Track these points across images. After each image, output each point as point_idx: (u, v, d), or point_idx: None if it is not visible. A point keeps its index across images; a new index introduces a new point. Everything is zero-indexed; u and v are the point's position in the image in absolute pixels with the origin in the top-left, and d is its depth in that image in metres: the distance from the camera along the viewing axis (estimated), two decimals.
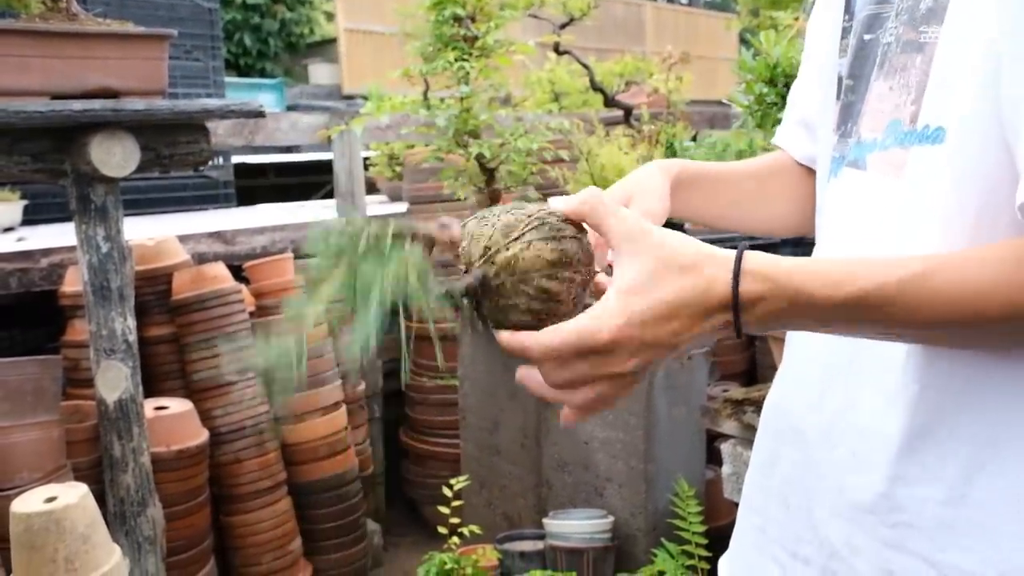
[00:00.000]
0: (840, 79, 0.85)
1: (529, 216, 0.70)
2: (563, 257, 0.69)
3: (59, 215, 4.24)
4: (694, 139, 3.90)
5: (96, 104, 1.98)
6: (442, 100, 3.66)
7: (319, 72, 9.25)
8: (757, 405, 1.82)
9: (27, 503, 1.50)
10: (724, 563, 1.07)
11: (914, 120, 0.74)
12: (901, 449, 0.76)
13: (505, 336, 0.70)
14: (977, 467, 0.72)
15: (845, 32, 0.85)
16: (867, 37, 0.80)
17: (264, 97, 6.91)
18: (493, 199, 2.63)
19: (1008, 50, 0.65)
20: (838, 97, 0.86)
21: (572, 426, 0.64)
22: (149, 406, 2.48)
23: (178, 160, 2.31)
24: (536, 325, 0.69)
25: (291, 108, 7.07)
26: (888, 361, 0.77)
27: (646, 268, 0.66)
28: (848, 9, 0.86)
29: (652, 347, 0.66)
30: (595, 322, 0.66)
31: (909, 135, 0.75)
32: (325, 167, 4.25)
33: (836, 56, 0.87)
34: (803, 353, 0.91)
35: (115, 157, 2.06)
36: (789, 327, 0.71)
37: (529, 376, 0.72)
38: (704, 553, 1.93)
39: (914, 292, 0.66)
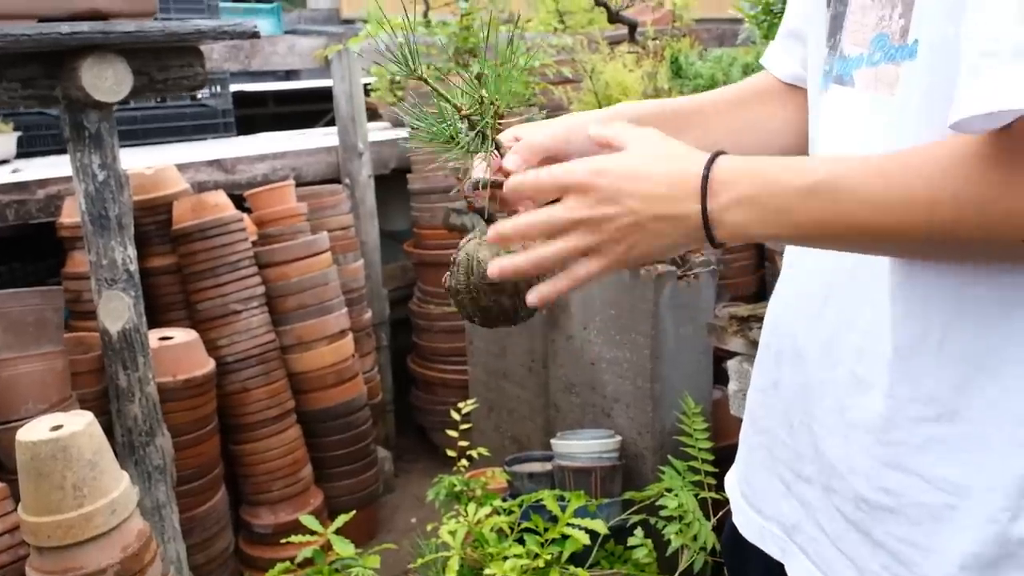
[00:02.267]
0: None
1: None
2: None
3: (54, 147, 4.21)
4: (701, 56, 3.82)
5: (84, 26, 1.94)
6: (442, 22, 3.59)
7: None
8: (762, 320, 1.82)
9: (33, 431, 1.52)
10: (731, 480, 1.08)
11: (904, 35, 0.73)
12: (892, 367, 0.76)
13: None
14: (967, 383, 0.73)
15: None
16: None
17: (260, 22, 6.75)
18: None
19: None
20: (828, 5, 0.84)
21: (549, 299, 0.74)
22: (153, 336, 2.50)
23: (172, 84, 2.27)
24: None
25: (289, 33, 6.94)
26: (881, 279, 0.77)
27: (635, 152, 0.75)
28: None
29: (622, 200, 0.71)
30: (573, 164, 0.74)
31: (900, 50, 0.73)
32: (325, 95, 4.19)
33: None
34: (802, 270, 0.91)
35: (107, 81, 2.03)
36: (758, 230, 0.72)
37: (502, 260, 0.77)
38: (710, 469, 1.96)
39: (862, 177, 0.68)
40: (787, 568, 0.92)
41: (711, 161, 0.71)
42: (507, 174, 0.81)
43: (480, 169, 0.85)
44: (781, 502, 0.93)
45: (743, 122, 1.05)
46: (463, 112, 0.83)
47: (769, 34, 1.93)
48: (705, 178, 0.71)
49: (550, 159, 0.85)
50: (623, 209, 0.71)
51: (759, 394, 0.99)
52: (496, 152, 0.84)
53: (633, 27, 2.97)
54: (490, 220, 0.84)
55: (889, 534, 0.78)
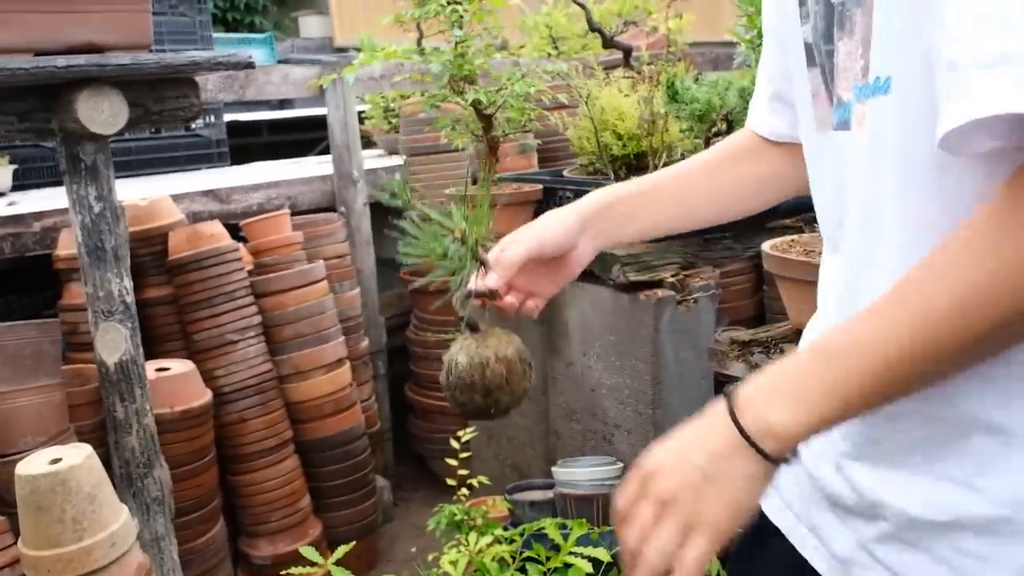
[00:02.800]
0: (808, 45, 0.87)
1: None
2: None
3: (49, 179, 4.23)
4: (696, 80, 3.85)
5: (81, 59, 1.96)
6: (436, 49, 3.61)
7: (309, 25, 9.12)
8: (764, 346, 1.83)
9: (32, 465, 1.52)
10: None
11: (865, 73, 0.76)
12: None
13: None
14: (1011, 399, 0.75)
15: (802, 1, 0.87)
16: (833, 0, 0.81)
17: (254, 52, 6.79)
18: (492, 148, 2.61)
19: None
20: (811, 64, 0.87)
21: None
22: (150, 368, 2.50)
23: (167, 115, 2.29)
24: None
25: (282, 63, 6.98)
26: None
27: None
28: None
29: (680, 464, 0.75)
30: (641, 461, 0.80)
31: (864, 89, 0.76)
32: (319, 123, 4.21)
33: (798, 24, 0.88)
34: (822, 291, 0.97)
35: (103, 114, 2.04)
36: (807, 419, 0.72)
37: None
38: None
39: (874, 316, 0.71)
40: None
41: (729, 392, 0.76)
42: (493, 290, 0.96)
43: (470, 283, 0.98)
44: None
45: (722, 188, 1.11)
46: (455, 234, 0.96)
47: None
48: (727, 397, 0.75)
49: (531, 262, 0.99)
50: (686, 468, 0.74)
51: None
52: (482, 268, 0.98)
53: (628, 52, 2.99)
54: (472, 327, 1.02)
55: (951, 548, 0.78)
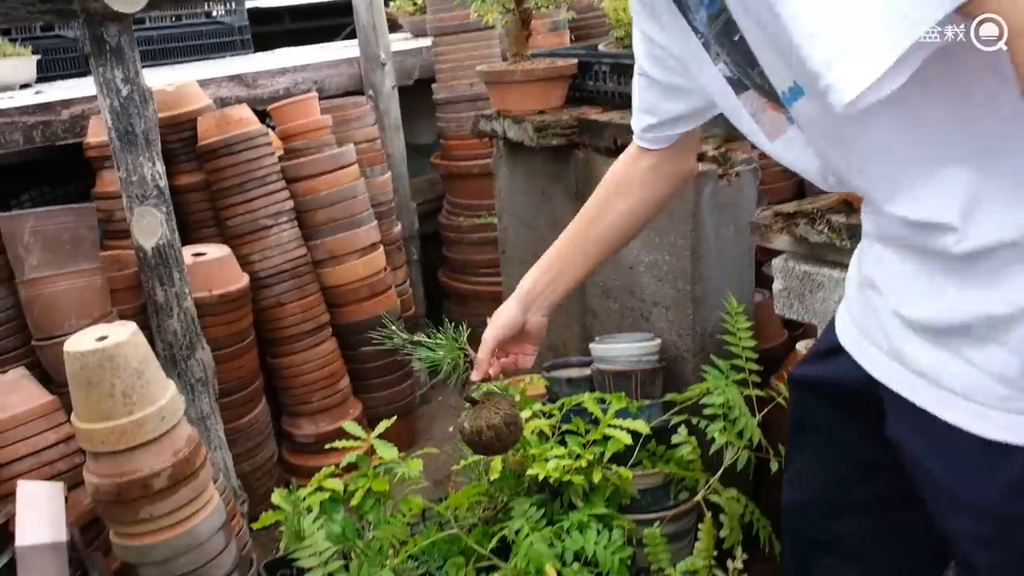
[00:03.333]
0: (729, 79, 1.00)
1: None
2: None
3: (73, 70, 4.20)
4: None
5: None
6: None
7: None
8: (810, 217, 1.79)
9: (80, 342, 1.55)
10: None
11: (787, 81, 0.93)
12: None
13: None
14: None
15: (706, 46, 0.99)
16: (736, 38, 0.92)
17: None
18: (524, 21, 2.53)
19: None
20: (741, 90, 1.00)
21: None
22: (187, 253, 2.51)
23: None
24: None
25: None
26: None
27: None
28: (696, 30, 0.99)
29: None
30: None
31: (785, 97, 0.92)
32: (342, 9, 4.11)
33: (711, 64, 1.01)
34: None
35: None
36: None
37: None
38: (755, 367, 1.95)
39: None
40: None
41: None
42: (484, 374, 1.36)
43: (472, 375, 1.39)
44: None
45: (613, 229, 1.34)
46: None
47: None
48: None
49: (503, 343, 1.37)
50: None
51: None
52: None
53: None
54: (471, 401, 1.42)
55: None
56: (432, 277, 3.92)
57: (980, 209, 0.86)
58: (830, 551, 1.29)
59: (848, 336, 1.14)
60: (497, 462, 1.86)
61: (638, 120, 1.28)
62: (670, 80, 1.18)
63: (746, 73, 0.97)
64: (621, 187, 1.33)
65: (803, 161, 1.03)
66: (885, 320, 1.03)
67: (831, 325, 1.22)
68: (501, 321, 1.36)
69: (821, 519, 1.28)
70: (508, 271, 2.96)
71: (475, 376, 1.36)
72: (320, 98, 3.27)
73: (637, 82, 1.24)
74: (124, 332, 1.56)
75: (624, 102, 2.39)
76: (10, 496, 1.58)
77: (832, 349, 1.17)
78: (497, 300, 3.09)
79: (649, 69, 1.20)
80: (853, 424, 1.19)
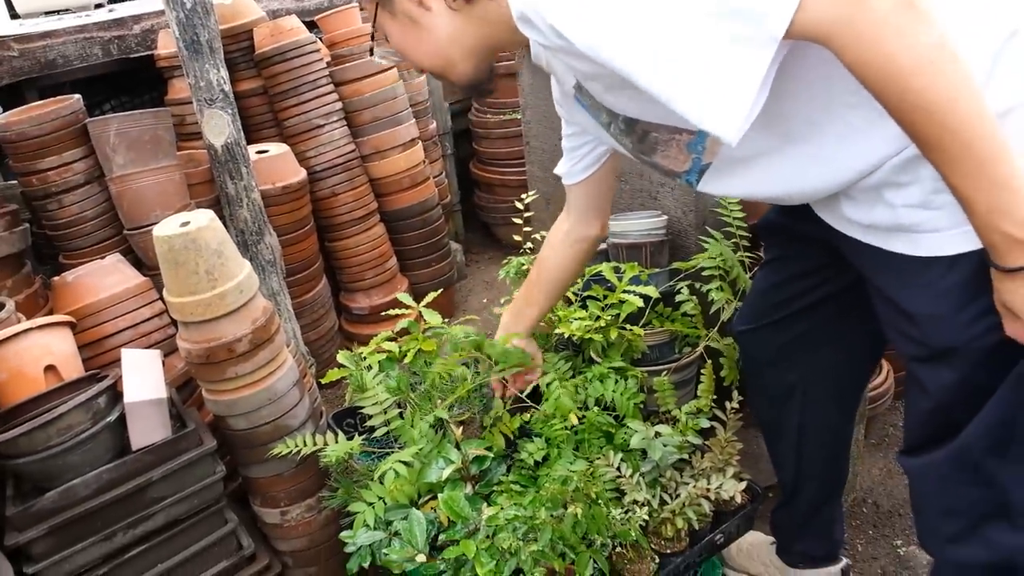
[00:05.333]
0: (639, 133, 1.13)
1: None
2: None
3: None
4: None
5: None
6: None
7: None
8: None
9: (166, 228, 1.55)
10: None
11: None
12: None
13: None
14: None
15: (607, 126, 1.19)
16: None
17: None
18: None
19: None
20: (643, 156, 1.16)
21: None
22: (251, 151, 2.49)
23: None
24: None
25: None
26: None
27: None
28: (594, 115, 1.20)
29: None
30: None
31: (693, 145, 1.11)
32: None
33: (604, 132, 1.20)
34: None
35: None
36: None
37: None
38: (744, 234, 1.93)
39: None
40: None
41: None
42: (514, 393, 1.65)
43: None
44: None
45: (555, 285, 1.66)
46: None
47: None
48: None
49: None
50: None
51: None
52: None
53: None
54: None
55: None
56: (465, 168, 3.87)
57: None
58: (775, 363, 1.49)
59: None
60: None
61: (563, 165, 1.48)
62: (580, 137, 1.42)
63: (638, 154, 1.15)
64: (549, 248, 1.63)
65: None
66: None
67: None
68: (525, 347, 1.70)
69: (769, 336, 1.47)
70: (532, 159, 2.91)
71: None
72: (361, 8, 3.16)
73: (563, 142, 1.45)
74: (204, 218, 1.56)
75: None
76: (116, 362, 1.62)
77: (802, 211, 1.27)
78: (522, 187, 3.08)
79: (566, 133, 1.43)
80: (810, 247, 1.32)
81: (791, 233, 1.36)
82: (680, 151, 1.09)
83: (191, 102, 2.22)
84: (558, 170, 1.51)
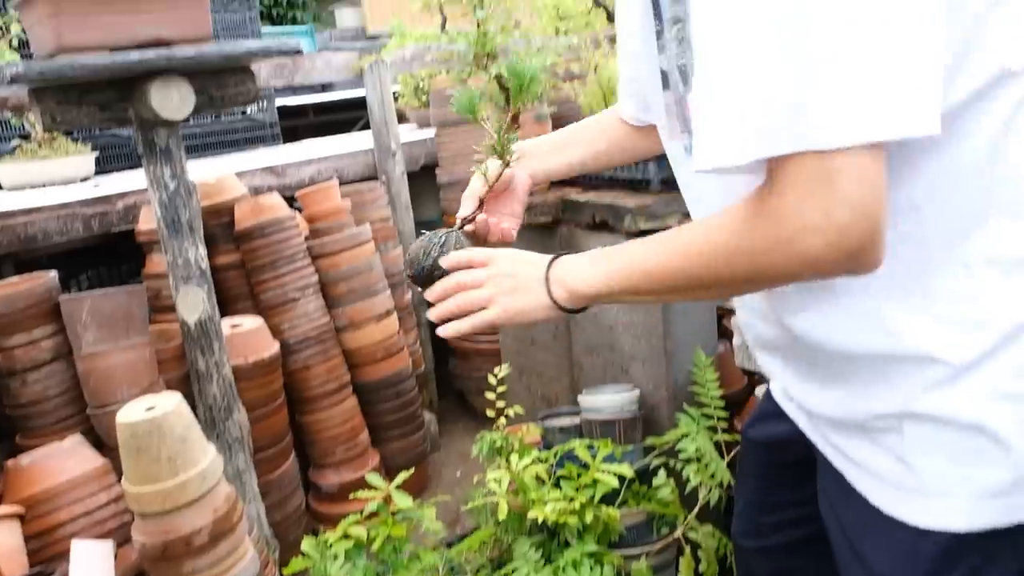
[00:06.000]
0: (663, 72, 0.93)
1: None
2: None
3: (127, 164, 4.22)
4: None
5: (151, 54, 1.93)
6: (461, 33, 3.54)
7: (344, 16, 9.01)
8: None
9: (131, 413, 1.53)
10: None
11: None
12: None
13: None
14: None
15: (659, 34, 0.91)
16: (677, 51, 0.89)
17: (296, 42, 6.74)
18: (514, 117, 2.56)
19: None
20: (665, 87, 0.93)
21: (456, 335, 1.06)
22: (225, 324, 2.50)
23: (229, 100, 2.26)
24: None
25: (322, 50, 6.90)
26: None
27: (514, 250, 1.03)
28: (657, 14, 0.91)
29: (513, 268, 0.99)
30: (482, 251, 1.03)
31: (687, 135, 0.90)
32: (358, 104, 4.16)
33: (655, 51, 0.93)
34: None
35: (173, 101, 2.02)
36: (581, 288, 0.95)
37: (433, 312, 1.05)
38: (722, 414, 1.94)
39: (657, 239, 0.88)
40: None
41: (560, 255, 0.99)
42: (468, 217, 1.14)
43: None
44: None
45: (607, 145, 1.27)
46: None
47: None
48: (550, 262, 0.98)
49: (491, 198, 1.15)
50: (512, 271, 0.99)
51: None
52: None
53: None
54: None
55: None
56: (439, 336, 3.89)
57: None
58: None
59: (782, 397, 1.14)
60: (503, 503, 1.82)
61: (620, 84, 1.21)
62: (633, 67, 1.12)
63: (674, 77, 0.92)
64: (613, 124, 1.26)
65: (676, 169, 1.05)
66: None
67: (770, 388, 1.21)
68: (490, 171, 1.15)
69: (757, 552, 1.31)
70: (506, 331, 2.95)
71: (460, 214, 1.14)
72: (340, 184, 3.29)
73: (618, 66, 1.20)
74: (170, 402, 1.55)
75: (599, 184, 2.41)
76: (66, 553, 1.55)
77: (777, 411, 1.15)
78: (496, 356, 3.10)
79: (625, 44, 1.14)
80: (788, 471, 1.19)
81: (774, 456, 1.23)
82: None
83: (168, 277, 2.25)
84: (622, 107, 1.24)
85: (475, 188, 1.14)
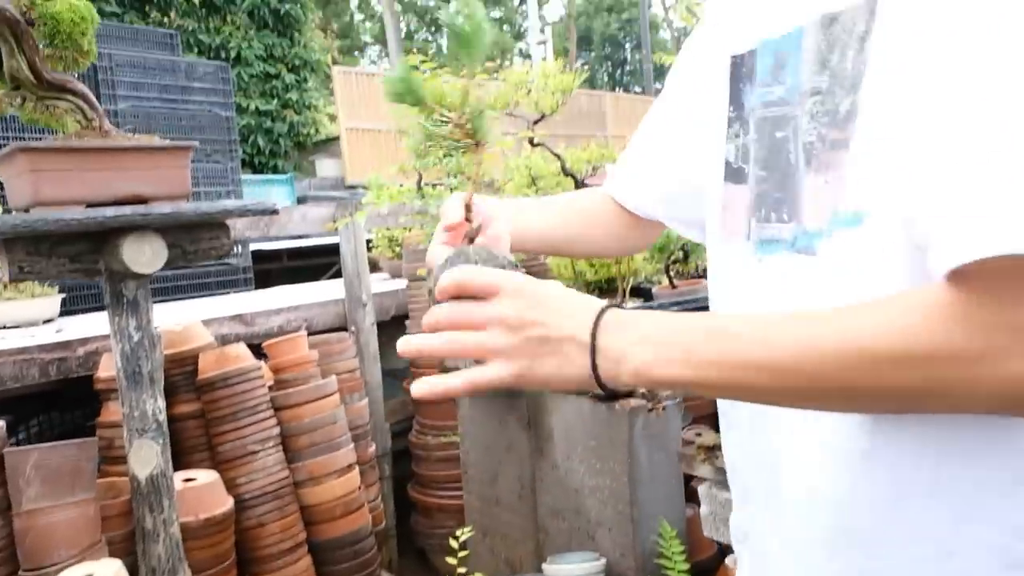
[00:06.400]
0: (728, 163, 0.82)
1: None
2: None
3: (93, 305, 4.21)
4: None
5: (127, 210, 1.97)
6: (434, 187, 3.67)
7: (325, 166, 9.35)
8: None
9: None
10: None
11: (837, 206, 0.71)
12: (878, 514, 0.69)
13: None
14: (961, 520, 0.67)
15: (731, 121, 0.82)
16: (779, 135, 0.76)
17: (276, 191, 6.95)
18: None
19: (915, 132, 0.61)
20: (729, 180, 0.82)
21: (436, 396, 0.71)
22: (178, 478, 2.43)
23: (202, 254, 2.29)
24: None
25: (301, 199, 7.10)
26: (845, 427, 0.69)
27: (548, 284, 0.71)
28: (736, 101, 0.82)
29: (544, 311, 0.67)
30: (506, 272, 0.71)
31: (836, 221, 0.70)
32: (332, 249, 4.25)
33: (722, 139, 0.83)
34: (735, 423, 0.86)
35: (145, 256, 2.04)
36: (658, 369, 0.64)
37: (410, 338, 0.71)
38: None
39: (784, 321, 0.62)
40: None
41: (606, 307, 0.68)
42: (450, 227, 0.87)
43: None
44: None
45: (591, 232, 1.08)
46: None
47: None
48: (598, 315, 0.66)
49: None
50: (543, 318, 0.66)
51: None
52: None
53: None
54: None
55: None
56: (402, 490, 3.80)
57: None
58: None
59: None
60: None
61: (629, 159, 1.07)
62: (668, 147, 0.98)
63: (750, 171, 0.79)
64: (597, 208, 1.09)
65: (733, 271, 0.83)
66: None
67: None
68: (453, 202, 0.92)
69: None
70: (469, 489, 2.88)
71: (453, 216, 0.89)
72: (309, 333, 3.30)
73: (637, 141, 1.06)
74: (108, 571, 1.47)
75: None
76: None
77: None
78: (460, 513, 3.01)
79: (655, 128, 1.02)
80: None
81: None
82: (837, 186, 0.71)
83: (123, 427, 2.20)
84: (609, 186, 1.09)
85: (450, 205, 0.90)
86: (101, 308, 4.12)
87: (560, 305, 0.68)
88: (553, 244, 1.09)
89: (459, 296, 0.69)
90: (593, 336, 0.65)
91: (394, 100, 0.77)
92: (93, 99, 2.03)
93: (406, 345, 0.71)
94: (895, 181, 0.63)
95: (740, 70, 0.83)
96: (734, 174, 0.82)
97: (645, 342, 0.64)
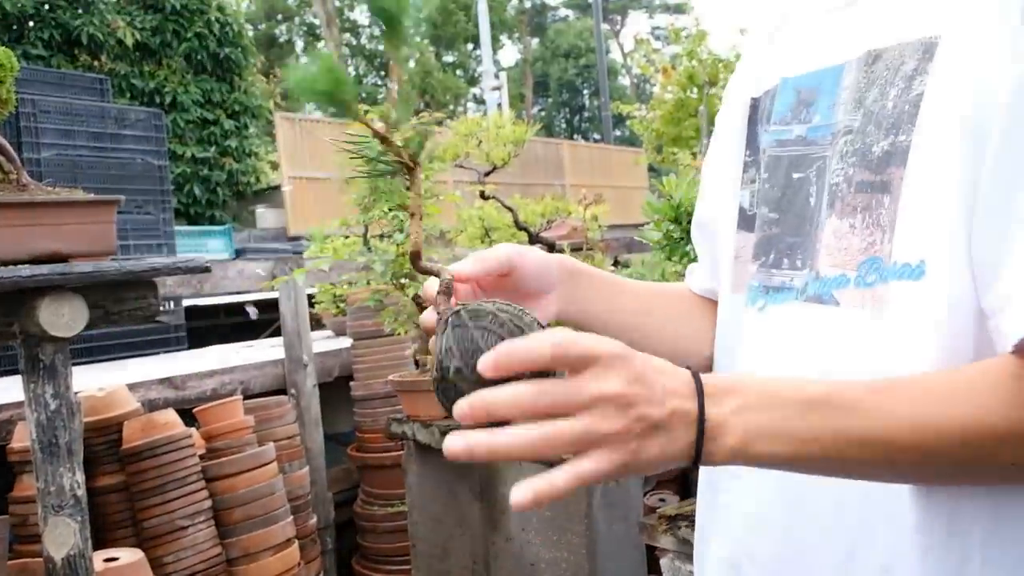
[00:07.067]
0: (743, 210, 0.82)
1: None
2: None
3: (7, 368, 4.08)
4: (616, 263, 3.97)
5: (44, 269, 1.93)
6: (381, 238, 3.67)
7: (266, 216, 9.28)
8: (690, 519, 1.79)
9: None
10: None
11: (891, 257, 0.69)
12: None
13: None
14: None
15: (747, 166, 0.82)
16: (796, 175, 0.75)
17: (213, 243, 6.85)
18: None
19: (985, 188, 0.62)
20: (742, 227, 0.82)
21: (543, 501, 0.53)
22: (99, 558, 2.33)
23: (127, 315, 2.24)
24: None
25: (239, 251, 7.02)
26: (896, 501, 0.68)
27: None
28: (752, 145, 0.82)
29: (652, 385, 0.57)
30: (591, 339, 0.56)
31: (890, 271, 0.68)
32: (272, 304, 4.20)
33: (737, 185, 0.83)
34: (751, 497, 0.80)
35: (63, 318, 2.00)
36: (759, 445, 0.59)
37: (472, 438, 0.55)
38: None
39: (887, 392, 0.61)
40: None
41: (695, 371, 0.61)
42: (460, 281, 0.72)
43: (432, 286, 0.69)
44: None
45: (675, 325, 0.94)
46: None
47: (671, 255, 2.02)
48: (699, 382, 0.59)
49: (502, 287, 0.76)
50: (648, 393, 0.56)
51: None
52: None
53: (551, 246, 3.08)
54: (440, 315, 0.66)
55: None
56: (346, 566, 3.71)
57: None
58: None
59: None
60: None
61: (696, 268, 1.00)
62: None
63: (763, 216, 0.78)
64: (682, 295, 0.98)
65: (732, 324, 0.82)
66: None
67: None
68: (532, 251, 0.79)
69: None
70: (418, 564, 2.82)
71: (463, 267, 0.73)
72: (245, 396, 3.24)
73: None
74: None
75: None
76: None
77: None
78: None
79: (704, 195, 0.95)
80: None
81: None
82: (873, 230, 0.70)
83: (37, 502, 2.12)
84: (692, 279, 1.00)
85: (492, 253, 0.76)
86: (16, 372, 3.99)
87: (657, 374, 0.58)
88: (622, 326, 0.89)
89: (537, 370, 0.56)
90: (701, 408, 0.58)
91: (312, 98, 0.63)
92: (10, 150, 2.00)
93: (467, 447, 0.54)
94: (958, 235, 0.64)
95: (757, 112, 0.82)
96: (747, 221, 0.81)
97: (752, 415, 0.59)
